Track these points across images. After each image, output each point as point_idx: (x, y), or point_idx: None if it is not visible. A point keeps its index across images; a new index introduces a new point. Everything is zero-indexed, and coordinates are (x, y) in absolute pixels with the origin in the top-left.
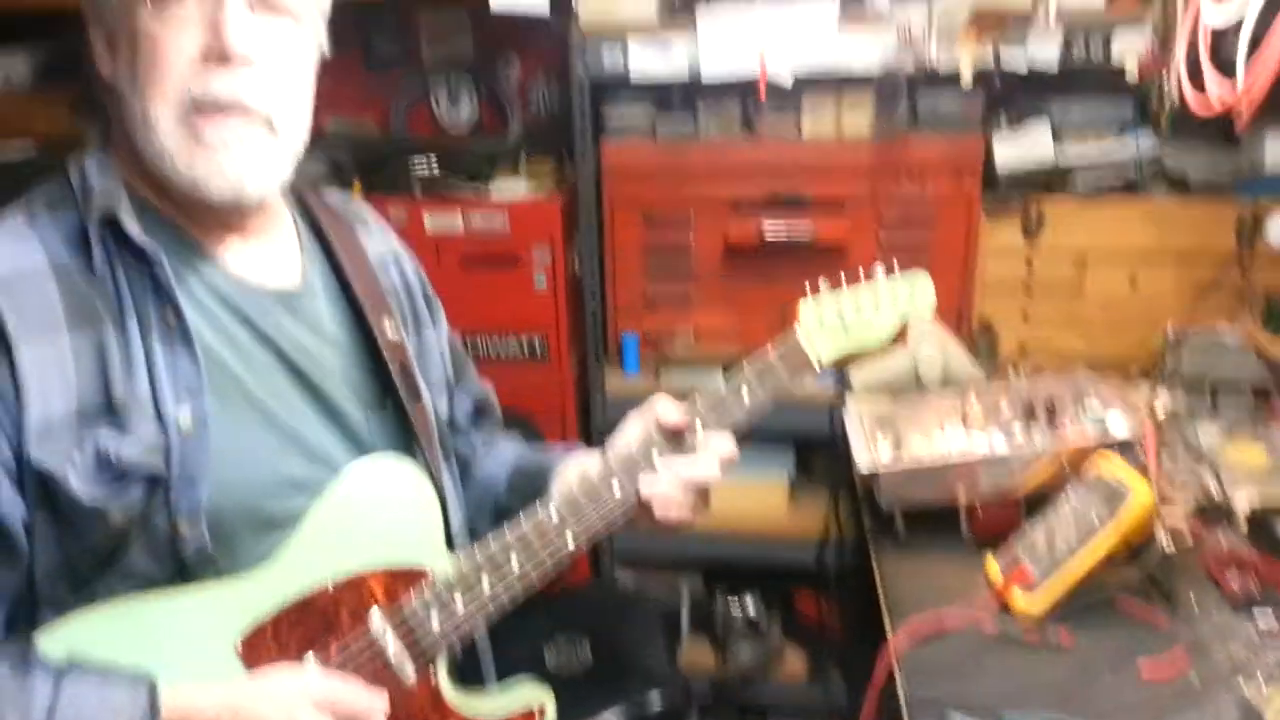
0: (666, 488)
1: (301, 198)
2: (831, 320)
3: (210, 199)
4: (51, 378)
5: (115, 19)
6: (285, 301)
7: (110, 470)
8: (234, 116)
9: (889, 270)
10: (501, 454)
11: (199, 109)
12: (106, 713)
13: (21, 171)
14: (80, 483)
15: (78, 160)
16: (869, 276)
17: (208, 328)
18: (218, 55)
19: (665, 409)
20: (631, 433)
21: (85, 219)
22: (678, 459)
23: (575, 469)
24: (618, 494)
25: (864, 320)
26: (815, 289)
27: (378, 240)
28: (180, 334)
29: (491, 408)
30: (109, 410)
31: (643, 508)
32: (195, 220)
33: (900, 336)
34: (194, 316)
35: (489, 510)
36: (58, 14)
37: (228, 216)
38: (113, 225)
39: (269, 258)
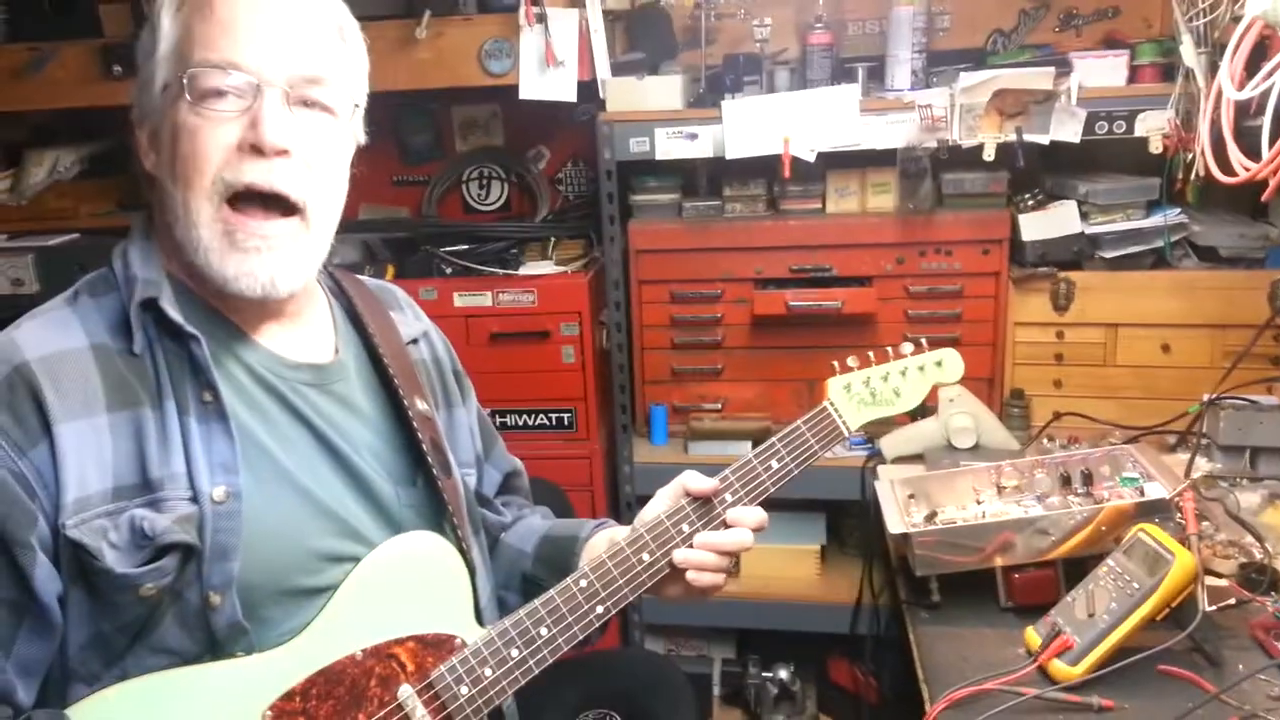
0: (701, 556)
1: (336, 279)
2: (859, 390)
3: (243, 295)
4: (89, 456)
5: (158, 114)
6: (318, 377)
7: (145, 543)
8: (271, 216)
9: (917, 347)
10: (530, 525)
11: (234, 200)
12: None
13: (65, 256)
14: (115, 557)
15: (121, 249)
16: (898, 354)
17: (242, 405)
18: (254, 148)
19: (693, 479)
20: (661, 503)
21: (127, 304)
22: (713, 535)
23: (605, 539)
24: (647, 559)
25: (891, 389)
26: (844, 363)
27: (410, 320)
28: (216, 412)
29: (521, 481)
30: (145, 487)
31: (674, 576)
32: (230, 304)
33: (928, 400)
34: (229, 394)
35: (517, 581)
36: (102, 112)
37: (261, 304)
38: (153, 309)
39: (303, 338)
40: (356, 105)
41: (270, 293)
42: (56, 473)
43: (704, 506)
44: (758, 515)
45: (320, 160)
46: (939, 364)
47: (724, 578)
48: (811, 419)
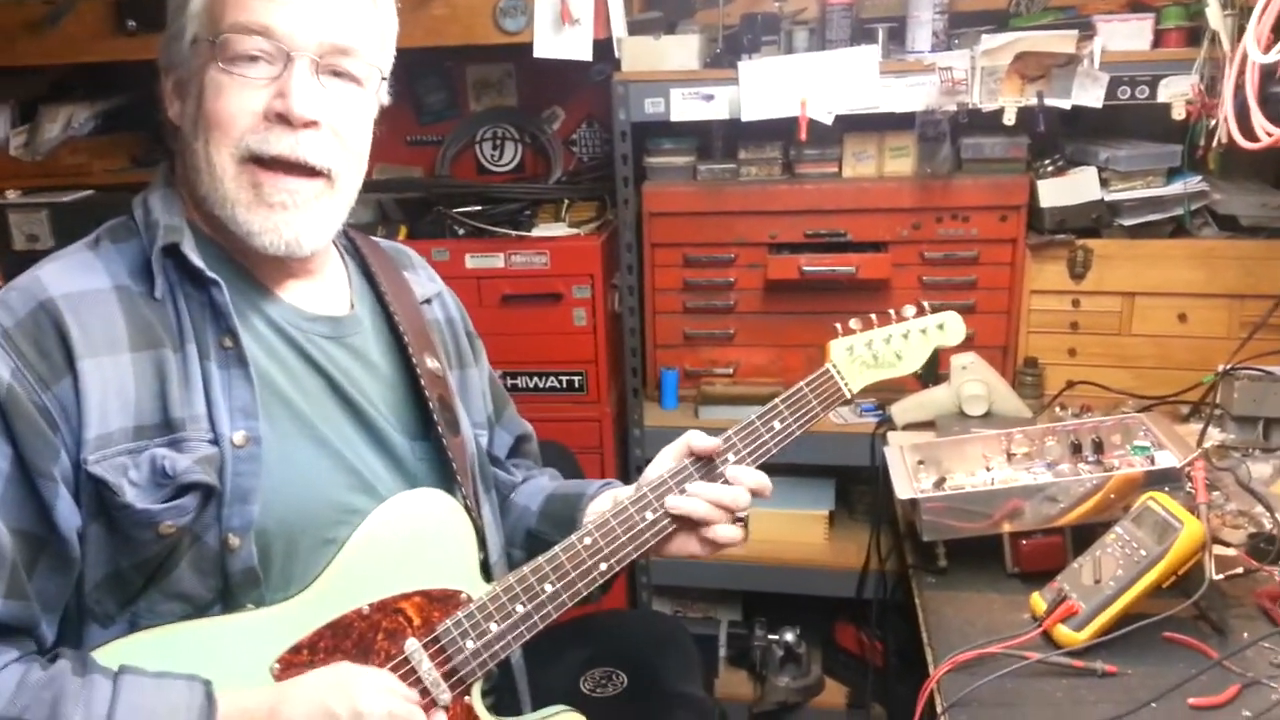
0: (692, 504)
1: (351, 239)
2: (861, 352)
3: (265, 250)
4: (112, 393)
5: (186, 67)
6: (335, 330)
7: (165, 482)
8: (295, 175)
9: (920, 310)
10: (537, 484)
11: (259, 162)
12: (164, 706)
13: (80, 212)
14: (136, 494)
15: (142, 197)
16: (900, 317)
17: (262, 353)
18: (282, 118)
19: (697, 437)
20: (664, 462)
21: (148, 248)
22: (708, 485)
23: (609, 497)
24: (650, 517)
25: (893, 351)
26: (846, 325)
27: (424, 281)
28: (236, 357)
29: (531, 445)
30: (166, 427)
31: (680, 533)
32: (251, 258)
33: (934, 367)
34: (249, 342)
35: (521, 537)
36: (117, 67)
37: (281, 260)
38: (174, 255)
39: (320, 292)
40: (384, 77)
41: (293, 251)
42: (79, 408)
43: (707, 466)
44: (758, 477)
45: (346, 130)
46: (941, 327)
47: (733, 534)
48: (814, 380)
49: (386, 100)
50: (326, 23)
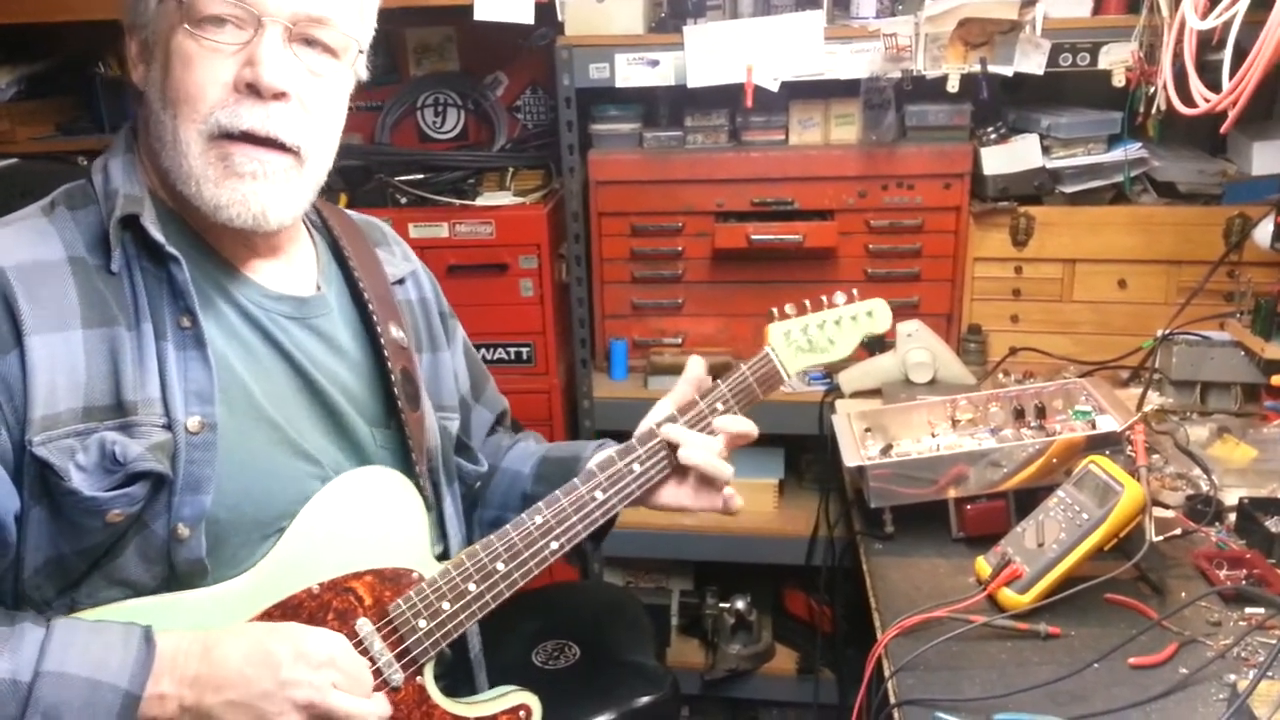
0: (679, 433)
1: (320, 212)
2: (797, 337)
3: (232, 224)
4: (60, 372)
5: (152, 27)
6: (300, 311)
7: (115, 468)
8: (265, 148)
9: (849, 297)
10: (525, 448)
11: (228, 136)
12: (98, 645)
13: (4, 181)
14: (83, 479)
15: (102, 162)
16: (831, 303)
17: (221, 334)
18: (251, 88)
19: (695, 363)
20: (659, 411)
21: (106, 219)
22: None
23: (604, 455)
24: (637, 469)
25: (826, 337)
26: (782, 310)
27: (398, 260)
28: (194, 339)
29: (508, 418)
30: (118, 410)
31: (674, 480)
32: (214, 232)
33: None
34: (207, 322)
35: (516, 500)
36: (42, 29)
37: (245, 235)
38: (133, 227)
39: (285, 270)
40: (361, 50)
41: (260, 224)
42: (25, 386)
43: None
44: (744, 424)
45: (318, 104)
46: (870, 314)
47: (725, 468)
48: (755, 364)
49: (364, 75)
50: None
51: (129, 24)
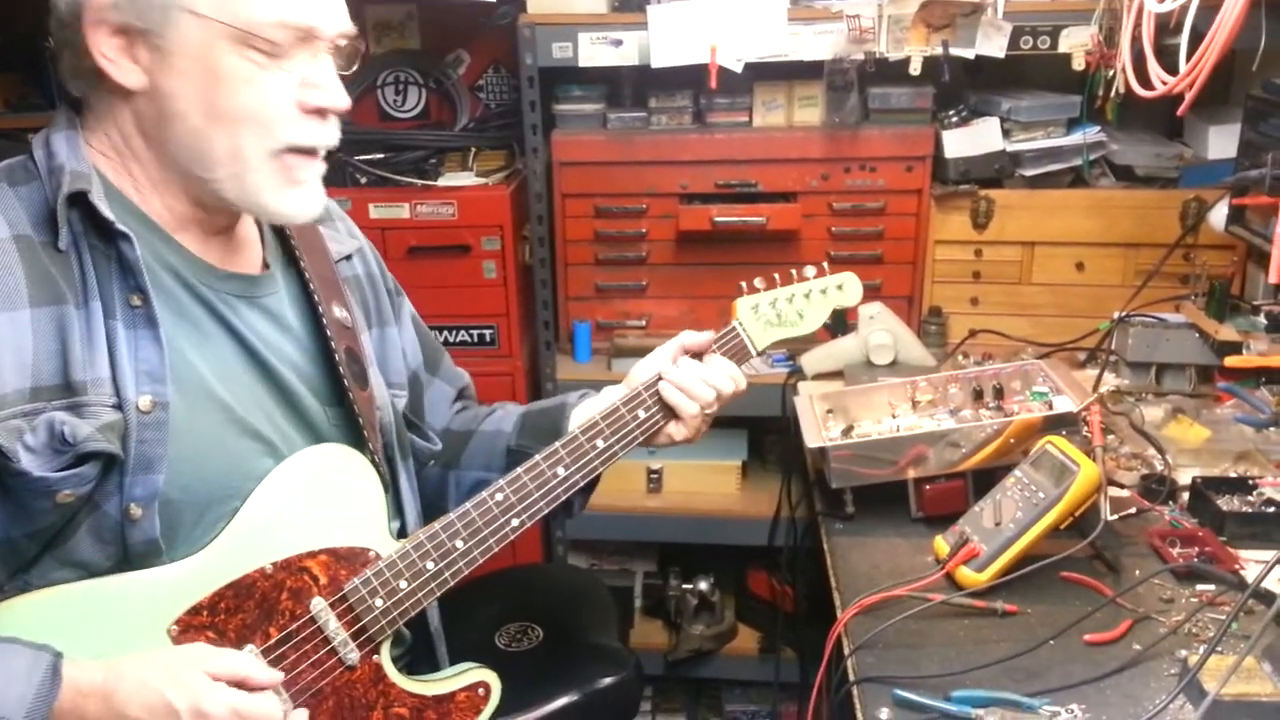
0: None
1: None
2: (766, 311)
3: (293, 220)
4: (7, 352)
5: (169, 34)
6: (248, 289)
7: (64, 449)
8: (316, 156)
9: (819, 270)
10: (505, 410)
11: (293, 151)
12: (1, 674)
13: None
14: (31, 460)
15: (43, 137)
16: (801, 277)
17: (170, 313)
18: (320, 110)
19: (690, 336)
20: (650, 364)
21: (52, 196)
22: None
23: (592, 405)
24: (641, 415)
25: (795, 310)
26: (751, 284)
27: (343, 236)
28: (144, 317)
29: (472, 392)
30: (67, 390)
31: (665, 408)
32: (165, 211)
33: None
34: (157, 301)
35: (500, 459)
36: None
37: (194, 212)
38: (80, 204)
39: (233, 248)
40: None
41: (315, 218)
42: None
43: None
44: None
45: None
46: (840, 287)
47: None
48: (721, 338)
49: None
50: (341, 8)
51: (118, 21)
